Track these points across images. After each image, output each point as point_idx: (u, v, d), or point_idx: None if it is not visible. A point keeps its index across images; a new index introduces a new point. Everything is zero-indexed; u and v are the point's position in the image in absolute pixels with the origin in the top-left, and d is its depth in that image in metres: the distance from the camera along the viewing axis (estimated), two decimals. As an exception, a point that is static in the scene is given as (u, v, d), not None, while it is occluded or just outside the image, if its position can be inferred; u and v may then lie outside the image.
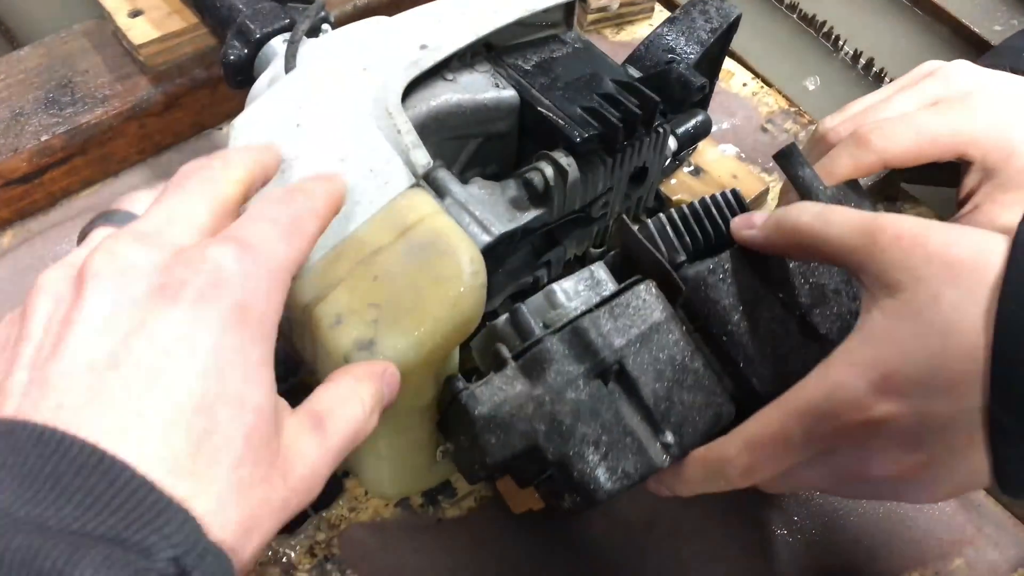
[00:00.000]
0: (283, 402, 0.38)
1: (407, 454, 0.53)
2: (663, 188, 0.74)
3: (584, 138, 0.55)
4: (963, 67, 0.57)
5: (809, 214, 0.43)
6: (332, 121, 0.50)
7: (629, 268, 0.51)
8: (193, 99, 0.78)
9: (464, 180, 0.56)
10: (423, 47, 0.54)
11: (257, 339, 0.34)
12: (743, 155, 0.81)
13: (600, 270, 0.52)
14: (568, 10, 0.63)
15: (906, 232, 0.38)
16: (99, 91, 0.75)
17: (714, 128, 0.81)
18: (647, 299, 0.48)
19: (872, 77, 0.96)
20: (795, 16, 1.02)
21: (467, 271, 0.45)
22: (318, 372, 0.49)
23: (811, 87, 0.94)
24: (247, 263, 0.35)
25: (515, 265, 0.63)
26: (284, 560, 0.58)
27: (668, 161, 0.66)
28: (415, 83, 0.54)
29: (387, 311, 0.44)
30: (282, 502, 0.34)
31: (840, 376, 0.39)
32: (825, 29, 1.00)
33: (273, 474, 0.34)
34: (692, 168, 0.77)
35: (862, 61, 0.97)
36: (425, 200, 0.48)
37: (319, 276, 0.45)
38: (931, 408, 0.36)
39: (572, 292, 0.51)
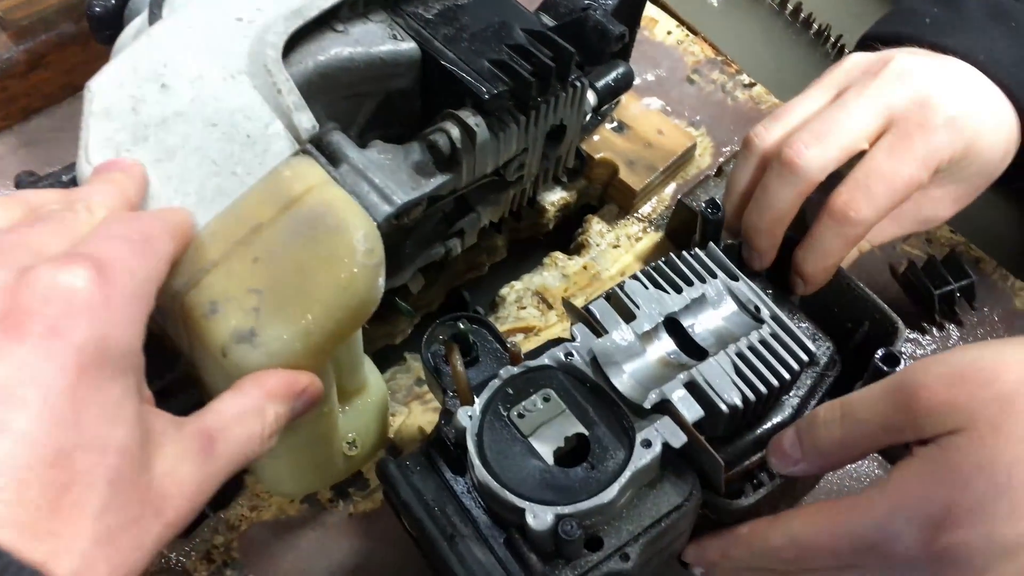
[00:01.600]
0: (161, 419, 0.34)
1: (307, 450, 0.49)
2: (585, 147, 0.71)
3: (493, 95, 0.50)
4: (908, 65, 0.54)
5: (837, 426, 0.43)
6: (202, 81, 0.45)
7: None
8: (61, 57, 0.70)
9: (363, 144, 0.51)
10: (308, -6, 0.48)
11: (118, 373, 0.31)
12: (669, 108, 0.77)
13: None
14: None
15: (940, 386, 0.38)
16: (-51, 50, 0.67)
17: (637, 80, 0.77)
18: None
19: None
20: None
21: (360, 249, 0.41)
22: (198, 367, 0.44)
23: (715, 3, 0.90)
24: (103, 286, 0.31)
25: (425, 235, 0.59)
26: (178, 567, 0.54)
27: (588, 117, 0.62)
28: (299, 35, 0.48)
29: (269, 297, 0.40)
30: (156, 540, 0.32)
31: (901, 506, 0.39)
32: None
33: (145, 512, 0.31)
34: (615, 124, 0.73)
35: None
36: (311, 168, 0.43)
37: (189, 259, 0.40)
38: (997, 531, 0.36)
39: None
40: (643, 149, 0.72)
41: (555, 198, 0.72)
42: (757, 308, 0.49)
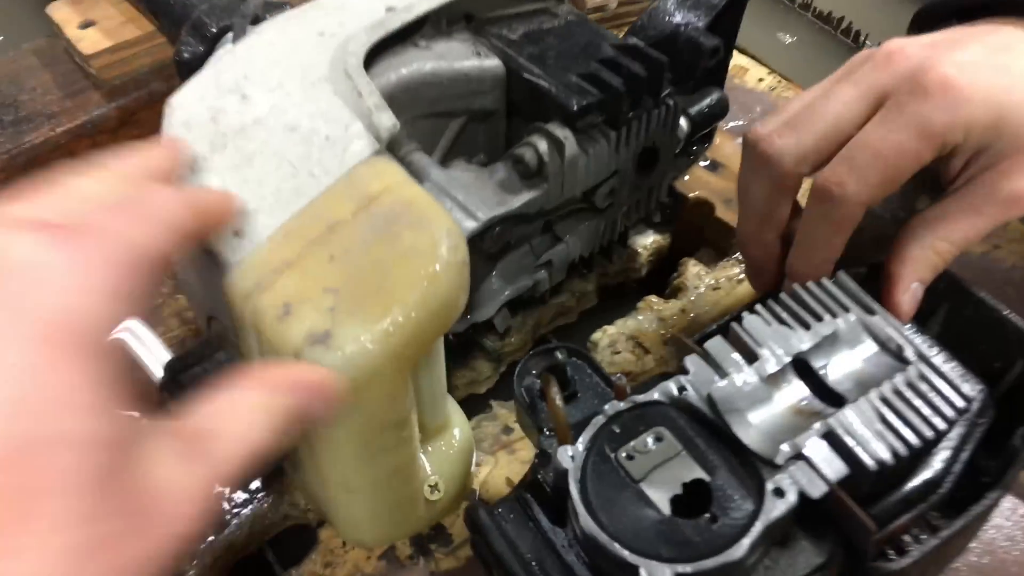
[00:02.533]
0: (143, 418, 0.29)
1: (386, 487, 0.45)
2: (679, 186, 0.68)
3: (582, 106, 0.48)
4: (897, 45, 0.48)
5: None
6: (282, 89, 0.44)
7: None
8: (151, 114, 0.72)
9: (445, 167, 0.50)
10: (389, 9, 0.48)
11: (91, 354, 0.27)
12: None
13: None
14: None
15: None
16: (47, 108, 0.70)
17: (731, 124, 0.74)
18: None
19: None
20: (810, 14, 0.97)
21: (444, 244, 0.38)
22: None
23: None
24: (72, 252, 0.28)
25: (511, 266, 0.56)
26: (247, 627, 0.50)
27: (681, 145, 0.59)
28: (381, 49, 0.48)
29: (346, 296, 0.37)
30: (143, 557, 0.26)
31: None
32: (843, 26, 0.95)
33: (128, 524, 0.26)
34: (709, 163, 0.70)
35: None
36: (391, 167, 0.41)
37: (263, 260, 0.39)
38: None
39: None
40: (741, 187, 0.68)
41: (648, 241, 0.69)
42: (900, 347, 0.44)
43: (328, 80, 0.44)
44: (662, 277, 0.69)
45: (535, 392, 0.47)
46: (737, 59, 0.84)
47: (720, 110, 0.61)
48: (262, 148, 0.42)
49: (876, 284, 0.49)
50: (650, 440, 0.42)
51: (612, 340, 0.63)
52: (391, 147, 0.43)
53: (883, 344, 0.45)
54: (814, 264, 0.47)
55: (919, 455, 0.43)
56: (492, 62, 0.51)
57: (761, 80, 0.83)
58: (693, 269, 0.67)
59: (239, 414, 0.32)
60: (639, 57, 0.50)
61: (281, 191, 0.40)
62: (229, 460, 0.30)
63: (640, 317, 0.64)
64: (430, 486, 0.49)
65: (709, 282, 0.66)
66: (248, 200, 0.41)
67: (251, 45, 0.47)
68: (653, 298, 0.65)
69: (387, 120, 0.42)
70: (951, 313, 0.52)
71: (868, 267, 0.52)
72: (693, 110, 0.59)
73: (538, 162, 0.48)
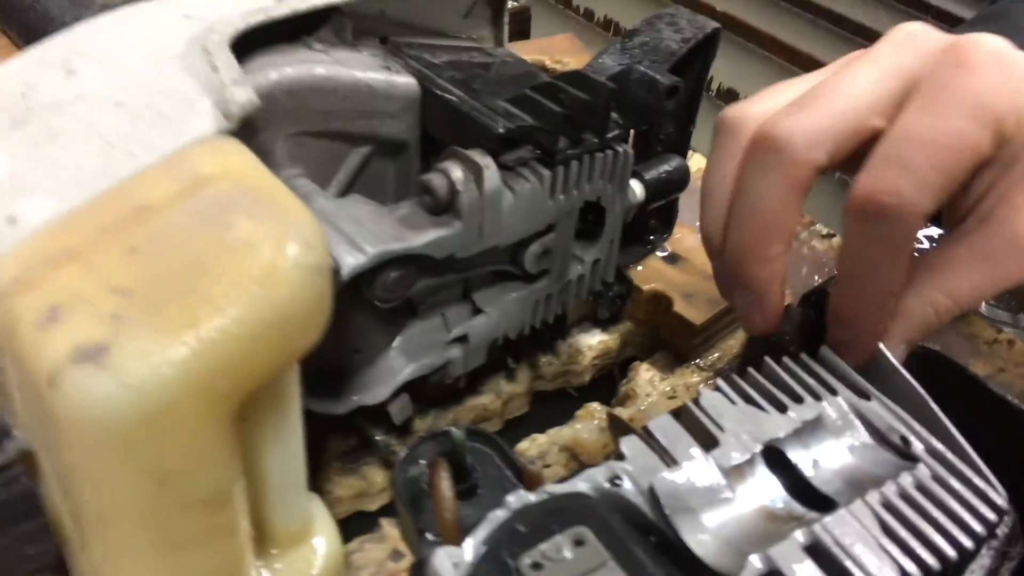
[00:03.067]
0: None
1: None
2: (634, 279, 0.58)
3: (510, 130, 0.40)
4: (917, 27, 0.39)
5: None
6: (120, 65, 0.35)
7: None
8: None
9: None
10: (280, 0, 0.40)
11: None
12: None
13: None
14: (495, 15, 0.50)
15: None
16: None
17: (697, 223, 0.66)
18: None
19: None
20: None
21: (292, 239, 0.28)
22: (28, 435, 0.30)
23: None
24: None
25: (416, 339, 0.45)
26: None
27: (633, 213, 0.51)
28: (261, 44, 0.39)
29: (140, 300, 0.26)
30: None
31: None
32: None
33: None
34: (667, 254, 0.61)
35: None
36: (238, 149, 0.31)
37: (33, 249, 0.28)
38: None
39: None
40: (703, 281, 0.59)
41: (593, 341, 0.58)
42: (904, 440, 0.34)
43: (181, 57, 0.35)
44: (609, 384, 0.59)
45: (421, 485, 0.36)
46: (701, 163, 0.78)
47: (679, 179, 0.53)
48: (74, 125, 0.32)
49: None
50: (566, 544, 0.30)
51: (542, 451, 0.52)
52: (266, 160, 0.33)
53: (882, 436, 0.34)
54: (873, 303, 0.37)
55: None
56: (404, 79, 0.42)
57: (727, 185, 0.75)
58: (645, 375, 0.57)
59: None
60: (581, 84, 0.42)
61: (83, 170, 0.31)
62: None
63: (578, 426, 0.53)
64: (274, 616, 0.36)
65: (664, 389, 0.56)
66: (37, 181, 0.30)
67: (97, 24, 0.38)
68: (595, 405, 0.55)
69: (242, 95, 0.33)
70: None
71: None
72: (649, 174, 0.51)
73: (449, 192, 0.39)
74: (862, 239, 0.36)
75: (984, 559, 0.35)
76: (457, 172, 0.39)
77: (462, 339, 0.46)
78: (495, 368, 0.53)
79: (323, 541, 0.39)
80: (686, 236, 0.63)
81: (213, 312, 0.26)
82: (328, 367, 0.43)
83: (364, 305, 0.42)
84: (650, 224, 0.61)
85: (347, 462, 0.49)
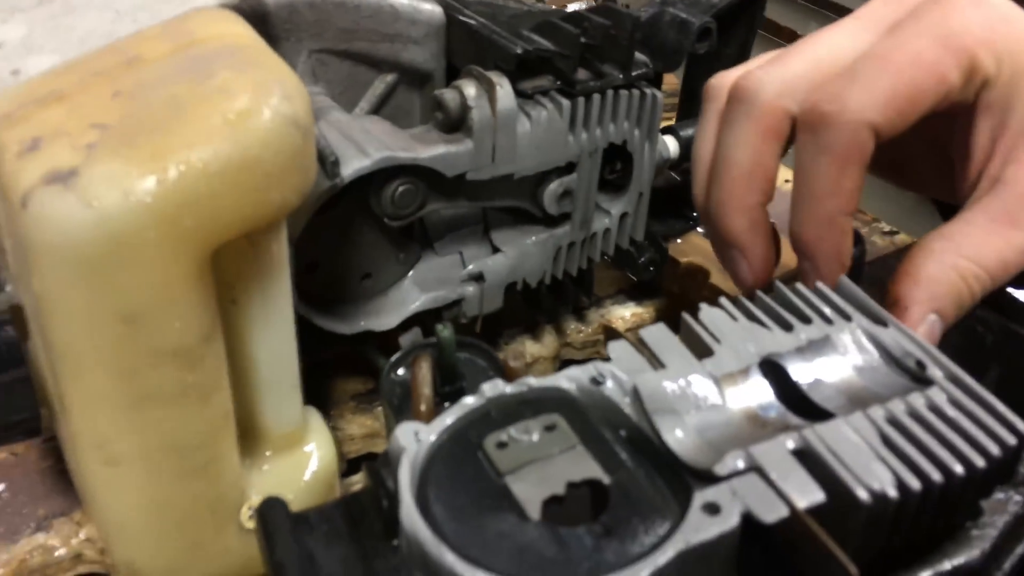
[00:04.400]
0: None
1: (166, 470, 0.32)
2: (672, 252, 0.57)
3: (528, 52, 0.39)
4: None
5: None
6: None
7: None
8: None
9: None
10: (311, -79, 0.41)
11: None
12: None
13: None
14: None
15: None
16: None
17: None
18: None
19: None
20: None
21: (272, 90, 0.28)
22: (8, 256, 0.30)
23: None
24: None
25: (432, 272, 0.45)
26: None
27: (666, 165, 0.49)
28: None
29: (116, 134, 0.27)
30: None
31: None
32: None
33: None
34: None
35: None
36: (235, 19, 0.32)
37: (25, 91, 0.29)
38: None
39: None
40: (744, 258, 0.57)
41: (626, 313, 0.57)
42: (921, 364, 0.32)
43: (204, -46, 0.36)
44: (641, 359, 0.57)
45: (407, 387, 0.35)
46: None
47: (717, 139, 0.51)
48: (93, 1, 0.34)
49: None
50: (536, 429, 0.29)
51: (561, 408, 0.50)
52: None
53: (897, 360, 0.32)
54: (820, 220, 0.36)
55: (944, 510, 0.29)
56: (430, 5, 0.43)
57: (787, 181, 0.73)
58: (678, 347, 0.55)
59: None
60: (606, 13, 0.41)
61: (91, 34, 0.32)
62: None
63: (602, 389, 0.51)
64: (253, 508, 0.36)
65: (695, 361, 0.53)
66: (46, 43, 0.32)
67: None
68: (623, 372, 0.53)
69: (248, -27, 0.33)
70: (1006, 378, 0.39)
71: None
72: (684, 131, 0.50)
73: (461, 108, 0.39)
74: (807, 152, 0.35)
75: (1010, 503, 0.32)
76: (470, 89, 0.39)
77: (478, 278, 0.45)
78: (518, 324, 0.52)
79: (316, 448, 0.39)
80: (732, 216, 0.61)
81: (183, 147, 0.27)
82: (338, 288, 0.43)
83: (374, 224, 0.42)
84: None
85: (361, 402, 0.49)
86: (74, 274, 0.27)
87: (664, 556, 0.24)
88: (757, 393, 0.31)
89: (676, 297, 0.58)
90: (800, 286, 0.36)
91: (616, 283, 0.59)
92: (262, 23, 0.39)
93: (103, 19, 0.32)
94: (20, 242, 0.27)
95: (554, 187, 0.44)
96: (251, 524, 0.36)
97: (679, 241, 0.58)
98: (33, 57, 0.31)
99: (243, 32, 0.31)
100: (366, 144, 0.38)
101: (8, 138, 0.28)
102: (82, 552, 0.41)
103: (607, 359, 0.33)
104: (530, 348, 0.54)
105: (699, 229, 0.60)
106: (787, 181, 0.73)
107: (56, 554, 0.41)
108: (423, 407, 0.32)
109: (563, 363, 0.56)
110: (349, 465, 0.47)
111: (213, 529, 0.34)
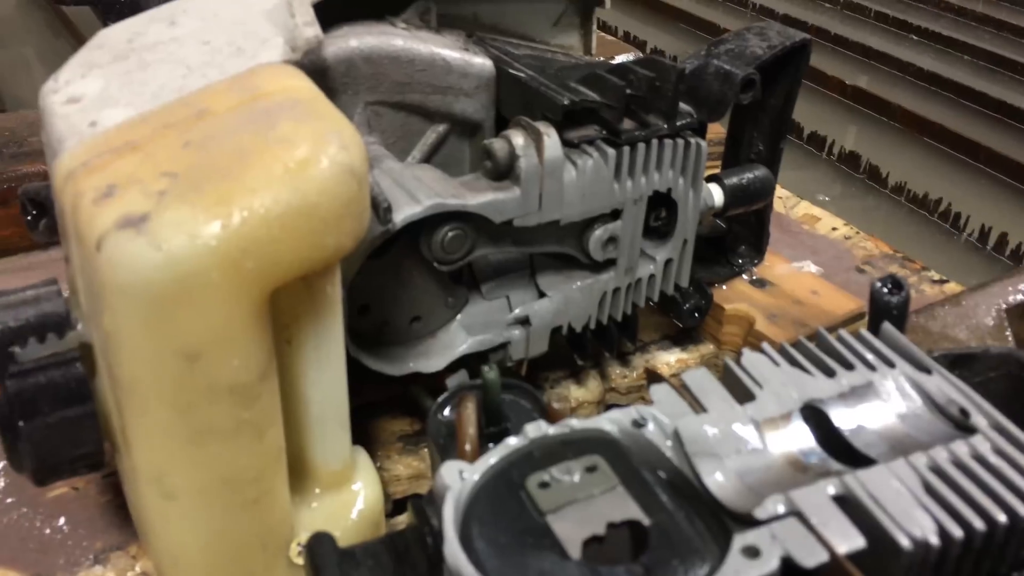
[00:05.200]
0: None
1: (221, 504, 0.33)
2: (717, 298, 0.57)
3: (575, 102, 0.41)
4: None
5: None
6: (215, 18, 0.39)
7: None
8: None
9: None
10: (369, -19, 0.43)
11: None
12: (829, 279, 0.63)
13: None
14: (584, 22, 0.52)
15: None
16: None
17: (795, 265, 0.65)
18: None
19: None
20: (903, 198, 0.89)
21: (330, 139, 0.30)
22: (80, 296, 0.32)
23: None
24: None
25: (479, 316, 0.46)
26: None
27: (712, 214, 0.50)
28: (348, 19, 0.42)
29: (185, 181, 0.29)
30: None
31: None
32: (940, 209, 0.86)
33: None
34: (755, 279, 0.60)
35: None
36: (298, 75, 0.34)
37: (102, 141, 0.31)
38: None
39: None
40: (790, 305, 0.58)
41: (671, 359, 0.57)
42: (964, 412, 0.32)
43: (269, 11, 0.39)
44: (686, 405, 0.57)
45: (454, 425, 0.36)
46: (810, 209, 0.76)
47: (761, 187, 0.52)
48: (163, 58, 0.36)
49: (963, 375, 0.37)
50: (578, 469, 0.30)
51: (605, 453, 0.51)
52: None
53: (940, 407, 0.32)
54: None
55: (988, 560, 0.29)
56: (481, 59, 0.45)
57: (835, 229, 0.74)
58: (723, 394, 0.55)
59: None
60: (651, 66, 0.43)
61: (163, 89, 0.34)
62: None
63: (646, 434, 0.52)
64: (301, 545, 0.37)
65: (740, 408, 0.54)
66: (121, 97, 0.34)
67: (205, -6, 0.42)
68: (668, 418, 0.53)
69: (309, 31, 0.36)
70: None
71: (954, 357, 0.40)
72: (729, 180, 0.51)
73: (509, 156, 0.40)
74: None
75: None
76: (519, 138, 0.41)
77: (524, 322, 0.46)
78: (562, 367, 0.53)
79: (364, 486, 0.40)
80: (776, 263, 0.62)
81: (246, 193, 0.28)
82: (388, 331, 0.45)
83: (424, 269, 0.43)
84: (740, 249, 0.60)
85: (407, 444, 0.50)
86: (142, 312, 0.28)
87: (704, 597, 0.25)
88: (798, 438, 0.31)
89: (722, 344, 0.58)
90: (844, 333, 0.36)
91: (661, 329, 0.60)
92: (321, 77, 0.41)
93: (174, 74, 0.35)
94: (93, 283, 0.29)
95: (599, 233, 0.45)
96: (300, 560, 0.37)
97: (724, 288, 0.59)
98: (109, 110, 0.33)
99: (304, 86, 0.33)
100: (417, 191, 0.39)
101: (85, 185, 0.30)
102: (137, 585, 0.42)
103: (650, 403, 0.33)
104: (574, 392, 0.54)
105: (744, 276, 0.60)
106: (834, 229, 0.74)
107: (112, 586, 0.42)
108: (468, 447, 0.33)
109: (607, 408, 0.56)
110: (395, 505, 0.48)
111: (263, 564, 0.36)
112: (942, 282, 0.68)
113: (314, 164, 0.29)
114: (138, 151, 0.30)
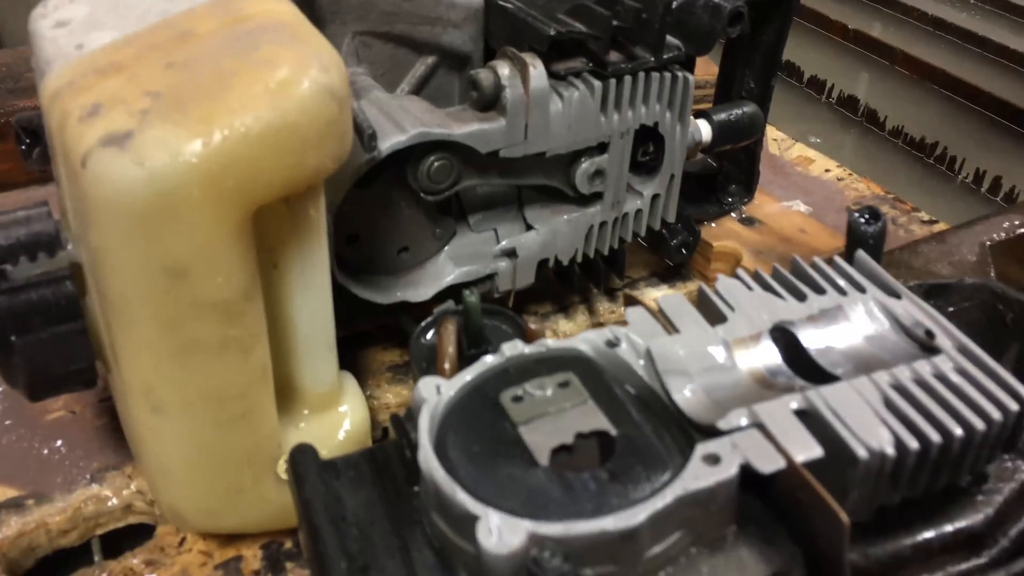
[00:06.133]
0: None
1: (207, 418, 0.34)
2: (706, 236, 0.58)
3: (561, 33, 0.41)
4: None
5: None
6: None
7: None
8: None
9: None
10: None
11: None
12: (818, 218, 0.64)
13: None
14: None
15: None
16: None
17: (784, 204, 0.65)
18: None
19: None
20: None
21: (312, 62, 0.30)
22: (69, 217, 0.33)
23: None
24: None
25: (466, 247, 0.47)
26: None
27: (698, 150, 0.51)
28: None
29: (168, 101, 0.29)
30: None
31: None
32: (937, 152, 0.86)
33: None
34: (744, 217, 0.60)
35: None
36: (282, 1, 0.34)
37: (86, 61, 0.32)
38: None
39: None
40: (778, 242, 0.58)
41: (659, 295, 0.58)
42: (930, 333, 0.33)
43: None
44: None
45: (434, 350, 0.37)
46: (804, 151, 0.76)
47: (750, 124, 0.52)
48: (151, -17, 0.36)
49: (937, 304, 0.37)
50: (551, 385, 0.31)
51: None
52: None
53: (907, 329, 0.33)
54: None
55: (943, 472, 0.30)
56: (468, -11, 0.45)
57: (828, 171, 0.74)
58: (709, 329, 0.56)
59: None
60: (638, -2, 0.43)
61: (148, 12, 0.34)
62: None
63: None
64: (287, 462, 0.38)
65: (725, 343, 0.55)
66: (107, 20, 0.34)
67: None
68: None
69: (296, -44, 0.36)
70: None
71: (929, 287, 0.40)
72: (717, 115, 0.51)
73: (495, 87, 0.41)
74: None
75: (1020, 474, 0.33)
76: (504, 69, 0.41)
77: (511, 253, 0.47)
78: (550, 301, 0.54)
79: (350, 409, 0.41)
80: (766, 203, 0.62)
81: (227, 113, 0.29)
82: (377, 260, 0.45)
83: (411, 199, 0.44)
84: (730, 188, 0.60)
85: (396, 373, 0.51)
86: (126, 229, 0.29)
87: (663, 500, 0.26)
88: (766, 357, 0.32)
89: (710, 280, 0.59)
90: (818, 259, 0.37)
91: (649, 266, 0.60)
92: (309, 6, 0.41)
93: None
94: (79, 200, 0.30)
95: (586, 167, 0.46)
96: (287, 476, 0.38)
97: (713, 225, 0.59)
98: (95, 32, 0.34)
99: (287, 9, 0.33)
100: (403, 121, 0.40)
101: (71, 104, 0.30)
102: (132, 503, 0.44)
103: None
104: (563, 326, 0.55)
105: (733, 215, 0.61)
106: (827, 171, 0.74)
107: (109, 504, 0.43)
108: (447, 365, 0.34)
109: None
110: (383, 433, 0.50)
111: (251, 478, 0.37)
112: (932, 223, 0.68)
113: (295, 85, 0.30)
114: (122, 71, 0.31)
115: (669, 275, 0.59)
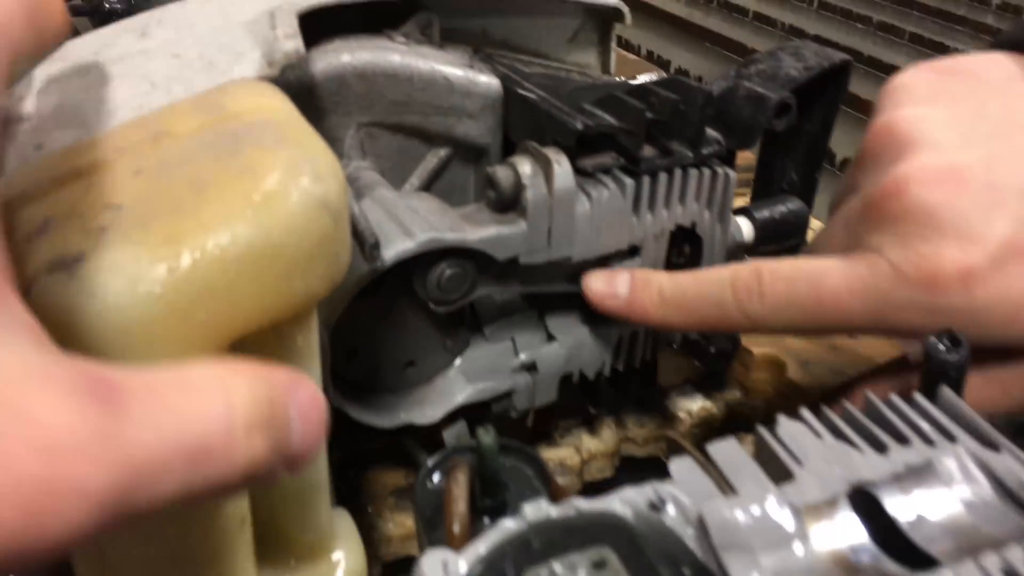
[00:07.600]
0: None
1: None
2: (745, 341, 0.53)
3: (588, 127, 0.37)
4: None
5: None
6: (190, 29, 0.35)
7: None
8: None
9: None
10: (366, -11, 0.40)
11: None
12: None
13: None
14: (602, 39, 0.48)
15: None
16: None
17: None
18: None
19: None
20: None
21: (301, 167, 0.26)
22: None
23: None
24: None
25: (480, 361, 0.42)
26: None
27: (741, 253, 0.46)
28: (339, 28, 0.39)
29: (130, 215, 0.25)
30: None
31: None
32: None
33: None
34: (786, 319, 0.55)
35: None
36: (272, 93, 0.30)
37: (45, 166, 0.27)
38: None
39: None
40: (825, 351, 0.53)
41: (693, 407, 0.53)
42: None
43: (249, 23, 0.35)
44: (709, 458, 0.53)
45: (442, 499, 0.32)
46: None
47: (795, 222, 0.48)
48: (129, 72, 0.32)
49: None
50: (583, 565, 0.26)
51: (619, 513, 0.46)
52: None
53: (1011, 493, 0.28)
54: None
55: None
56: (487, 78, 0.41)
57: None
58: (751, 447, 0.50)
59: (198, 388, 0.21)
60: (674, 87, 0.39)
61: (122, 107, 0.30)
62: (173, 447, 0.19)
63: (665, 492, 0.47)
64: (269, 626, 0.33)
65: (769, 464, 0.49)
66: (75, 116, 0.30)
67: (187, 1, 0.39)
68: (688, 473, 0.49)
69: (289, 44, 0.32)
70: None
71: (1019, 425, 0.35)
72: (760, 213, 0.47)
73: (515, 186, 0.37)
74: None
75: None
76: (525, 166, 0.37)
77: (531, 368, 0.42)
78: (573, 416, 0.49)
79: (345, 558, 0.35)
80: (811, 303, 0.57)
81: (200, 231, 0.24)
82: (379, 377, 0.41)
83: (419, 309, 0.39)
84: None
85: (401, 498, 0.46)
86: (75, 368, 0.24)
87: None
88: (847, 531, 0.27)
89: (749, 391, 0.54)
90: (895, 398, 0.32)
91: (682, 372, 0.55)
92: (308, 95, 0.38)
93: (137, 91, 0.31)
94: (21, 331, 0.25)
95: (616, 273, 0.41)
96: (267, 642, 0.33)
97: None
98: (59, 131, 0.30)
99: (278, 106, 0.29)
100: (411, 224, 0.35)
101: (20, 218, 0.26)
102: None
103: (667, 474, 0.29)
104: (587, 443, 0.50)
105: (775, 317, 0.56)
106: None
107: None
108: (456, 529, 0.29)
109: (623, 460, 0.52)
110: (384, 571, 0.44)
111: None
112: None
113: (282, 197, 0.25)
114: (82, 179, 0.27)
115: (705, 383, 0.54)
